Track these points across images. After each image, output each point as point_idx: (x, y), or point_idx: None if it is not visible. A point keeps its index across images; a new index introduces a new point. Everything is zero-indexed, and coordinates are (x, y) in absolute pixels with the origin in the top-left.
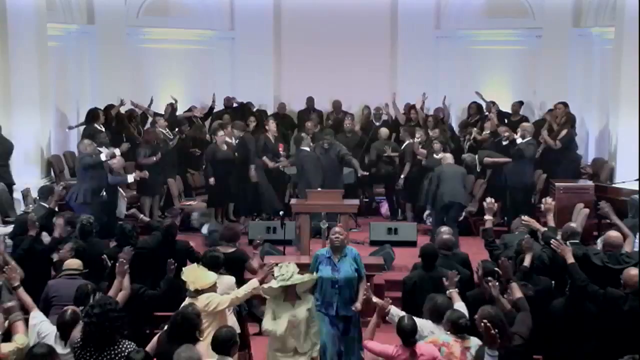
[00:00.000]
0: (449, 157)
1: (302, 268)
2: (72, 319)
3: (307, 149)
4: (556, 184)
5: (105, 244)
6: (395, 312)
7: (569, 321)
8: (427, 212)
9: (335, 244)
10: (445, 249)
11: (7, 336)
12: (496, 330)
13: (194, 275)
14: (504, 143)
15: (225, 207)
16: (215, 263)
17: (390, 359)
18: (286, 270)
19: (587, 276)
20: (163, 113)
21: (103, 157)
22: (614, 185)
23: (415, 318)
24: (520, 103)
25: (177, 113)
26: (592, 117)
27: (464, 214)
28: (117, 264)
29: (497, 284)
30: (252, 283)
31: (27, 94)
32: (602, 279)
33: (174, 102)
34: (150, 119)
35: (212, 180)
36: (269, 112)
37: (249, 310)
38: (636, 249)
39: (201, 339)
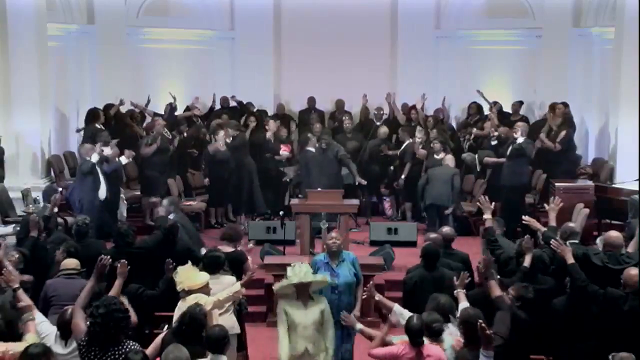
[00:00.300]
0: (449, 159)
1: None
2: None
3: (313, 149)
4: (556, 184)
5: (103, 245)
6: (399, 310)
7: (569, 321)
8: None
9: (332, 249)
10: (446, 241)
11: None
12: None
13: (185, 275)
14: (493, 143)
15: (225, 207)
16: (216, 263)
17: (395, 357)
18: (299, 269)
19: (587, 276)
20: (162, 113)
21: (109, 150)
22: (614, 185)
23: None
24: (520, 103)
25: (177, 112)
26: (592, 117)
27: (450, 209)
28: (117, 265)
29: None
30: (235, 286)
31: (27, 94)
32: (602, 279)
33: (172, 100)
34: (149, 119)
35: (206, 180)
36: (269, 112)
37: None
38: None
39: None
